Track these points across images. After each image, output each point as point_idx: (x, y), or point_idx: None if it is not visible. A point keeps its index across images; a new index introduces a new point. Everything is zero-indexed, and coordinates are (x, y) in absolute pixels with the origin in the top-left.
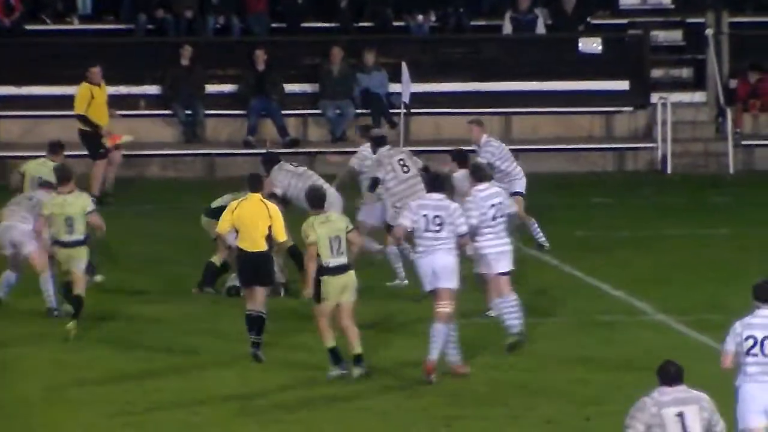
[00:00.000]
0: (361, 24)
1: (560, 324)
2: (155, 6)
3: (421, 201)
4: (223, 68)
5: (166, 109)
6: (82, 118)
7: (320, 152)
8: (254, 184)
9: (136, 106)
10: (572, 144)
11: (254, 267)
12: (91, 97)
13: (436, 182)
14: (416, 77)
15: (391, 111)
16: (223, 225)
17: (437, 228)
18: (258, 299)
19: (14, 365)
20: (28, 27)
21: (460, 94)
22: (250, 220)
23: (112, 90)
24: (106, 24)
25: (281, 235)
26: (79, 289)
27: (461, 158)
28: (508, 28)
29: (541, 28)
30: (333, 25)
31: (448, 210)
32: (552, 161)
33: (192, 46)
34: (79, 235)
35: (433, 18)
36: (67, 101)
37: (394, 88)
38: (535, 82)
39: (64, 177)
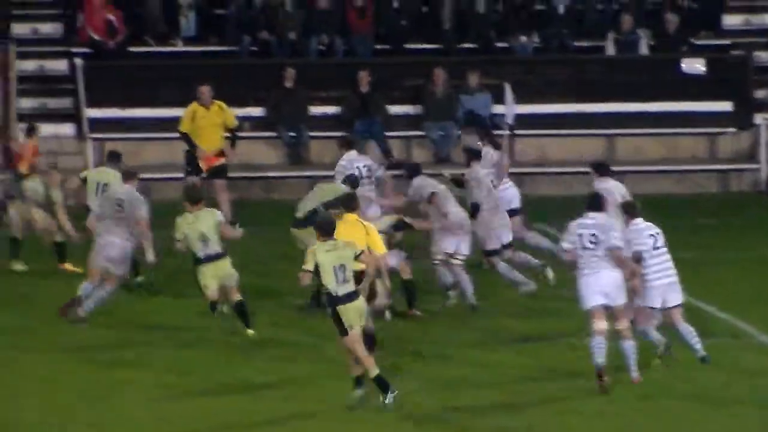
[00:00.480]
0: (464, 45)
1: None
2: (259, 28)
3: (580, 220)
4: (327, 90)
5: (270, 131)
6: (183, 136)
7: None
8: (349, 203)
9: (240, 128)
10: (676, 165)
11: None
12: (194, 116)
13: (594, 202)
14: (520, 98)
15: (495, 132)
16: None
17: (593, 246)
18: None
19: (121, 387)
20: (132, 49)
21: (563, 115)
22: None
23: None
24: (210, 46)
25: (380, 248)
26: (236, 295)
27: (602, 170)
28: (611, 49)
29: (643, 49)
30: (436, 46)
31: (604, 228)
32: (656, 183)
33: (296, 67)
34: (216, 248)
35: (536, 39)
36: (171, 123)
37: (497, 109)
38: (638, 103)
39: (196, 197)
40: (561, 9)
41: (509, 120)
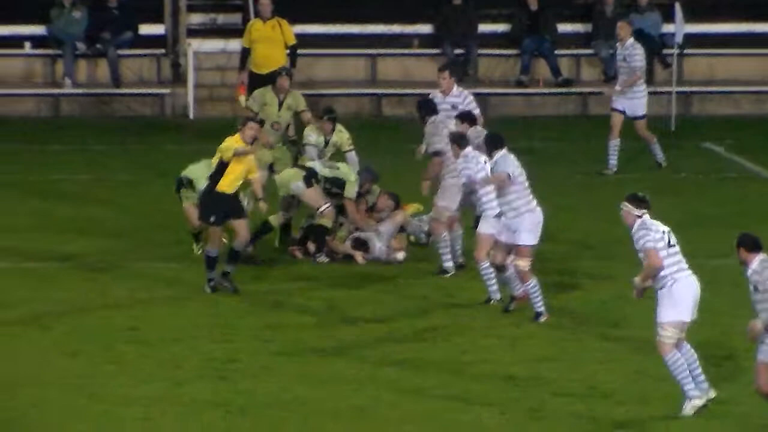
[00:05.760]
0: None
1: None
2: None
3: None
4: (497, 7)
5: (438, 48)
6: (242, 52)
7: (592, 93)
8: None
9: (409, 44)
10: None
11: None
12: (251, 31)
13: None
14: (689, 18)
15: (665, 52)
16: None
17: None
18: None
19: None
20: None
21: (733, 34)
22: None
23: (385, 29)
24: None
25: None
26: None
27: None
28: None
29: None
30: None
31: None
32: None
33: None
34: None
35: None
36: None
37: (667, 28)
38: None
39: None
40: None
41: (678, 39)
